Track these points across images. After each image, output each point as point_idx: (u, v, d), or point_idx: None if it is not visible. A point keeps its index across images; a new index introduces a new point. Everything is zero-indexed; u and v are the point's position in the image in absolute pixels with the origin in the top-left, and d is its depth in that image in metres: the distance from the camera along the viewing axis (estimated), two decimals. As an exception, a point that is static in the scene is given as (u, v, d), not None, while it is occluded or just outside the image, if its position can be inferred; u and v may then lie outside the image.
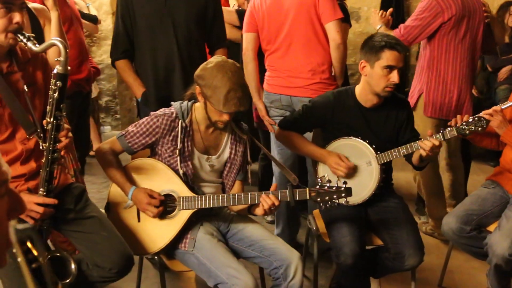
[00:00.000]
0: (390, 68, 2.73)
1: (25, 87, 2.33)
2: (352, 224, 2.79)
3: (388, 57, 2.72)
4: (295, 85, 3.42)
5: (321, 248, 3.23)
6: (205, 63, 2.58)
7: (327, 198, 2.55)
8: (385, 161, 2.81)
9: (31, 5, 3.12)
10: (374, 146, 2.83)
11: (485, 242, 2.83)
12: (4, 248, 1.21)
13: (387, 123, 2.91)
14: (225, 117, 2.55)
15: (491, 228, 2.93)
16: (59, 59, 2.19)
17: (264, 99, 3.62)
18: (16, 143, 2.35)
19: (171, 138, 2.63)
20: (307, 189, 2.56)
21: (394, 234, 2.80)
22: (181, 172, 2.64)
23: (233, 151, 2.74)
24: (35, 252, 1.31)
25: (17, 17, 2.20)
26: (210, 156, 2.72)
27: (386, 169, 2.90)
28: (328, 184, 2.56)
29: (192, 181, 2.68)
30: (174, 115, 2.64)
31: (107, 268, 2.41)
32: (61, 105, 2.23)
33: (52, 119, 2.23)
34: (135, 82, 3.33)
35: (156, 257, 2.73)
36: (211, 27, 3.36)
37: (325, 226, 2.95)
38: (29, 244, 1.30)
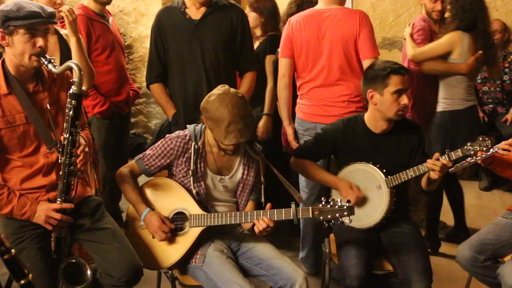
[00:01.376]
0: (399, 92, 2.79)
1: (48, 106, 2.54)
2: (361, 248, 2.81)
3: (395, 82, 2.79)
4: (330, 114, 3.45)
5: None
6: (208, 95, 2.68)
7: (329, 216, 2.59)
8: (394, 184, 2.84)
9: (62, 31, 3.37)
10: (385, 170, 2.86)
11: (497, 272, 2.77)
12: None
13: (398, 148, 2.94)
14: (230, 147, 2.66)
15: (507, 258, 2.87)
16: (74, 80, 2.39)
17: (297, 126, 3.68)
18: (40, 156, 2.56)
19: (184, 159, 2.77)
20: (310, 208, 2.62)
21: (403, 259, 2.80)
22: (194, 191, 2.77)
23: (246, 172, 2.84)
24: (6, 244, 1.46)
25: (40, 42, 2.42)
26: (223, 177, 2.83)
27: (398, 194, 2.91)
28: (331, 203, 2.62)
29: (205, 200, 2.80)
30: (187, 137, 2.78)
31: (116, 277, 2.55)
32: (76, 122, 2.42)
33: (68, 135, 2.42)
34: (167, 104, 3.51)
35: (169, 272, 2.86)
36: (239, 51, 3.49)
37: (336, 248, 2.98)
38: (2, 238, 1.45)
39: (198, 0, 3.32)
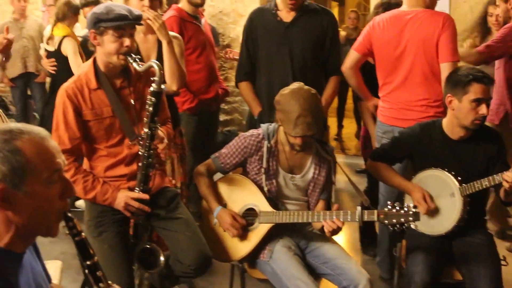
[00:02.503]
0: (478, 101, 2.72)
1: (133, 101, 2.74)
2: (429, 255, 2.78)
3: (476, 90, 2.72)
4: (408, 117, 3.42)
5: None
6: (283, 89, 2.78)
7: (394, 220, 2.60)
8: (468, 193, 2.77)
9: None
10: (460, 178, 2.80)
11: None
12: (56, 221, 1.56)
13: (475, 156, 2.87)
14: (297, 141, 2.73)
15: None
16: (154, 78, 2.57)
17: (377, 129, 3.69)
18: (124, 147, 2.76)
19: (257, 157, 2.87)
20: (376, 211, 2.64)
21: (472, 269, 2.74)
22: (265, 189, 2.87)
23: (317, 171, 2.90)
24: (78, 228, 1.62)
25: (127, 42, 2.62)
26: (295, 175, 2.90)
27: (473, 203, 2.84)
28: (397, 207, 2.62)
29: (276, 198, 2.89)
30: (260, 136, 2.88)
31: (186, 265, 2.71)
32: (155, 118, 2.60)
33: (147, 130, 2.61)
34: (253, 102, 3.63)
35: (240, 264, 2.98)
36: (328, 55, 3.55)
37: (405, 254, 2.97)
38: (74, 221, 1.61)
39: (288, 4, 3.41)
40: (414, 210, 2.60)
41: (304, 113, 2.64)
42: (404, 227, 2.61)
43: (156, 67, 2.58)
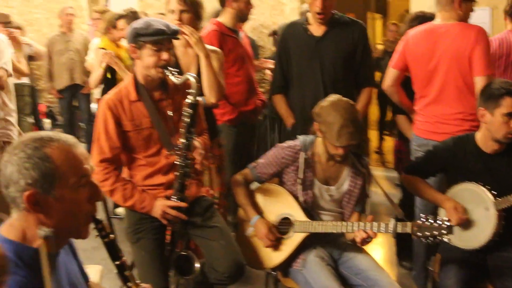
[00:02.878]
0: (510, 115, 2.72)
1: (170, 113, 2.83)
2: (462, 268, 2.78)
3: (508, 104, 2.72)
4: (443, 131, 3.41)
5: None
6: (322, 101, 2.84)
7: (428, 233, 2.62)
8: (503, 207, 2.76)
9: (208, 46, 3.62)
10: (494, 192, 2.79)
11: None
12: (85, 224, 1.64)
13: (509, 169, 2.85)
14: (340, 151, 2.77)
15: None
16: (190, 91, 2.66)
17: (412, 142, 3.69)
18: (161, 157, 2.85)
19: (294, 168, 2.93)
20: (409, 223, 2.66)
21: (508, 284, 2.72)
22: (301, 199, 2.91)
23: (352, 184, 2.93)
24: (107, 229, 1.71)
25: (164, 55, 2.72)
26: (330, 187, 2.94)
27: (509, 217, 2.82)
28: (431, 220, 2.63)
29: (311, 208, 2.94)
30: (297, 147, 2.93)
31: (220, 272, 2.77)
32: (192, 129, 2.68)
33: (184, 140, 2.69)
34: (286, 114, 3.72)
35: (273, 272, 3.03)
36: (358, 67, 3.60)
37: (439, 267, 2.96)
38: (103, 223, 1.70)
39: (317, 19, 3.47)
40: (447, 223, 2.61)
41: (346, 123, 2.70)
42: (437, 240, 2.62)
43: (192, 80, 2.67)
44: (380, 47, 8.62)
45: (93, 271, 2.74)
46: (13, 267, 1.50)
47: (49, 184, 1.53)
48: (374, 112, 8.25)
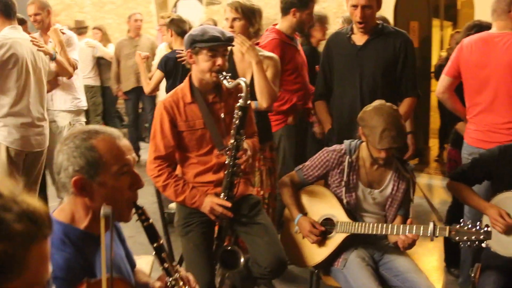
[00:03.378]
0: None
1: (223, 115, 3.00)
2: (502, 276, 2.80)
3: None
4: (494, 140, 3.42)
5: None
6: (366, 106, 2.95)
7: (465, 238, 2.68)
8: None
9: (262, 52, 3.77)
10: None
11: None
12: (126, 209, 1.82)
13: None
14: (382, 154, 2.87)
15: None
16: (241, 95, 2.82)
17: (463, 150, 3.72)
18: (213, 157, 3.02)
19: (338, 171, 3.04)
20: (448, 227, 2.72)
21: None
22: (344, 201, 3.02)
23: (395, 188, 3.01)
24: (147, 215, 1.88)
25: (219, 61, 2.89)
26: (373, 190, 3.03)
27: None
28: (469, 225, 2.68)
29: (354, 210, 3.04)
30: (343, 151, 3.04)
31: (263, 267, 2.92)
32: (241, 130, 2.84)
33: (233, 141, 2.86)
34: (324, 120, 3.83)
35: (315, 271, 3.15)
36: (400, 77, 3.62)
37: (479, 274, 2.99)
38: (143, 209, 1.87)
39: (359, 28, 3.57)
40: (486, 228, 2.66)
41: (389, 127, 2.79)
42: (474, 245, 2.67)
43: (243, 84, 2.83)
44: (444, 54, 8.55)
45: (144, 262, 2.93)
46: (61, 245, 1.70)
47: (94, 171, 1.72)
48: (435, 121, 8.21)
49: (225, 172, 2.92)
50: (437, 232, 2.74)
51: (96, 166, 1.73)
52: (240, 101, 2.84)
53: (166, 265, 1.88)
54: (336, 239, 3.00)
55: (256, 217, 3.05)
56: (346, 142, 3.09)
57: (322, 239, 3.02)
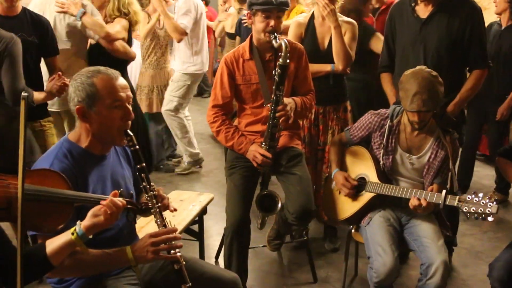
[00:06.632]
0: None
1: (275, 72, 3.28)
2: None
3: None
4: None
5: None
6: (407, 70, 3.02)
7: (473, 209, 2.73)
8: None
9: (340, 18, 3.94)
10: None
11: None
12: (118, 135, 2.26)
13: None
14: (415, 117, 2.96)
15: None
16: (281, 54, 3.09)
17: None
18: (264, 110, 3.34)
19: (380, 133, 3.18)
20: (457, 197, 2.78)
21: None
22: (381, 163, 3.17)
23: (433, 155, 3.07)
24: (134, 141, 2.25)
25: (272, 23, 3.18)
26: (412, 156, 3.12)
27: None
28: (480, 197, 2.72)
29: (389, 173, 3.17)
30: (386, 115, 3.17)
31: (291, 212, 3.21)
32: (280, 86, 3.12)
33: (273, 96, 3.15)
34: (390, 93, 3.76)
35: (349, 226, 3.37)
36: (467, 50, 3.47)
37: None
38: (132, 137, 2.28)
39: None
40: (494, 203, 2.67)
41: (421, 91, 2.88)
42: (481, 218, 2.69)
43: (283, 45, 3.09)
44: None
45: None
46: (63, 158, 2.19)
47: (92, 102, 2.18)
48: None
49: (267, 124, 3.23)
50: (448, 201, 2.80)
51: (94, 98, 2.18)
52: (280, 59, 3.10)
53: (144, 183, 2.29)
54: (364, 197, 3.18)
55: (293, 168, 3.32)
56: (392, 106, 3.20)
57: (353, 196, 3.21)
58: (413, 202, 2.91)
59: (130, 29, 4.63)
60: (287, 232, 3.81)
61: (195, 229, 3.64)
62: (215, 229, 4.39)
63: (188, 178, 5.84)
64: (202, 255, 3.68)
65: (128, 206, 2.14)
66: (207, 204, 3.62)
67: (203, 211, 3.59)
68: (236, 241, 3.22)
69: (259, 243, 3.92)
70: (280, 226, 3.70)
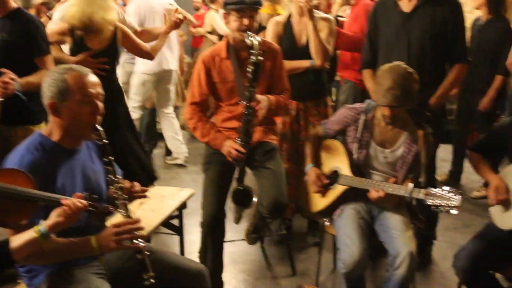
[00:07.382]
0: None
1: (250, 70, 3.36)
2: (489, 245, 2.87)
3: None
4: None
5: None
6: (384, 65, 3.09)
7: (438, 202, 2.80)
8: None
9: (318, 14, 4.03)
10: None
11: None
12: (88, 129, 2.36)
13: None
14: (386, 112, 3.02)
15: None
16: (252, 51, 3.17)
17: None
18: (239, 107, 3.40)
19: (354, 127, 3.25)
20: (423, 190, 2.85)
21: None
22: (354, 156, 3.24)
23: (407, 150, 3.14)
24: (102, 136, 2.38)
25: (245, 21, 3.26)
26: (385, 150, 3.19)
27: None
28: (444, 190, 2.79)
29: (363, 167, 3.23)
30: (360, 109, 3.24)
31: (264, 206, 3.29)
32: (254, 83, 3.20)
33: (247, 92, 3.24)
34: (372, 88, 3.75)
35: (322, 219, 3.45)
36: (450, 44, 3.54)
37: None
38: (101, 132, 2.39)
39: None
40: (457, 197, 2.73)
41: (395, 86, 2.93)
42: (442, 210, 2.77)
43: (255, 42, 3.17)
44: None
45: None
46: (34, 150, 2.28)
47: (63, 98, 2.28)
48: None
49: (241, 120, 3.31)
50: (414, 193, 2.87)
51: (65, 94, 2.28)
52: (252, 57, 3.19)
53: (110, 176, 2.38)
54: (337, 190, 3.25)
55: (267, 162, 3.39)
56: (367, 101, 3.27)
57: (326, 190, 3.29)
58: (371, 195, 3.00)
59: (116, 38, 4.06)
60: (264, 225, 3.89)
61: (176, 224, 3.73)
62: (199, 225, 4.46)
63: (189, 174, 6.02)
64: (182, 249, 3.76)
65: (90, 208, 2.20)
66: (187, 199, 3.71)
67: (183, 205, 3.68)
68: (211, 236, 3.31)
69: (238, 237, 4.00)
70: (257, 220, 3.78)
